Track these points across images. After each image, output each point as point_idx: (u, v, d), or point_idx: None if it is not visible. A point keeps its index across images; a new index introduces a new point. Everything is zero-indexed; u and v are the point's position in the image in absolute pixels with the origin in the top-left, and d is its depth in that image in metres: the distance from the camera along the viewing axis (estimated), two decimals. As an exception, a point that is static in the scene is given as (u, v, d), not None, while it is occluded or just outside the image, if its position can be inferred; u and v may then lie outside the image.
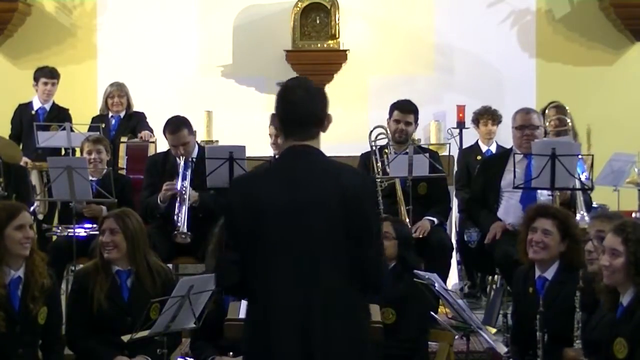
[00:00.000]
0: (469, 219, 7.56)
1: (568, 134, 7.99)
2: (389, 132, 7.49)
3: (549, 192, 6.82)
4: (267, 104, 9.93)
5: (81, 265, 6.17)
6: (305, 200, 3.55)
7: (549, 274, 5.28)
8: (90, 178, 7.15)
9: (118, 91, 9.32)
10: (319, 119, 3.68)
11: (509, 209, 7.03)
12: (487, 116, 8.77)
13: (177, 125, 7.43)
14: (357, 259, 3.58)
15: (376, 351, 3.97)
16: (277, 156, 7.49)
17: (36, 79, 9.33)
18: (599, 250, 4.78)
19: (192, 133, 7.62)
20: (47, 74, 9.32)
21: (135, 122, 9.31)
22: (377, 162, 7.35)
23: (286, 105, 3.68)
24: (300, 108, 3.65)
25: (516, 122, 7.28)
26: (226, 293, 4.95)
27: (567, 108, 8.16)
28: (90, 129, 8.73)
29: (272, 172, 3.75)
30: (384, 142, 7.52)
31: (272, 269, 3.56)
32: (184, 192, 7.20)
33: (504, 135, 8.54)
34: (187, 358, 5.52)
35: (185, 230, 6.84)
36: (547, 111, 8.20)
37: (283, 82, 3.79)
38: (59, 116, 9.20)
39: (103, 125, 8.89)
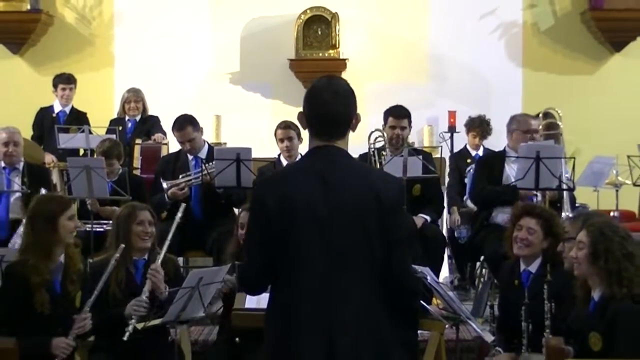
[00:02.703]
0: (488, 206, 7.36)
1: (559, 138, 8.01)
2: (385, 136, 7.49)
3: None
4: (272, 108, 9.97)
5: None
6: (339, 202, 3.38)
7: (533, 267, 5.28)
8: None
9: (134, 96, 9.36)
10: (348, 119, 3.50)
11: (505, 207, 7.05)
12: (478, 130, 8.75)
13: (182, 124, 7.57)
14: (389, 262, 3.42)
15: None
16: (290, 157, 7.54)
17: (55, 85, 9.40)
18: (567, 251, 4.81)
19: (198, 130, 7.68)
20: (65, 80, 9.40)
21: (149, 125, 9.33)
22: (375, 164, 7.35)
23: (315, 105, 3.49)
24: (329, 108, 3.45)
25: (524, 126, 7.21)
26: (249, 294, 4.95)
27: (559, 114, 8.15)
28: (108, 131, 8.77)
29: (303, 172, 3.50)
30: (380, 144, 7.53)
31: (303, 267, 3.38)
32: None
33: (494, 138, 8.56)
34: None
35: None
36: (538, 117, 8.20)
37: (313, 83, 3.59)
38: (78, 119, 9.25)
39: (120, 128, 8.92)
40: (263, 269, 3.45)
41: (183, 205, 5.61)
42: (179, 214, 5.54)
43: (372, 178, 3.50)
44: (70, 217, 5.10)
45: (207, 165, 7.37)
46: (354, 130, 3.54)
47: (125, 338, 5.06)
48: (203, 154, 7.62)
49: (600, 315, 4.38)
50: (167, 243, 5.43)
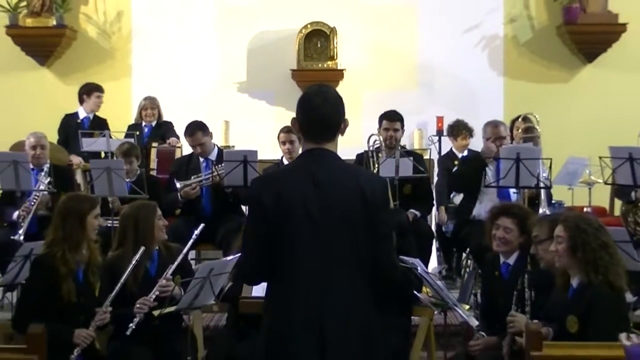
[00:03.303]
0: (460, 185, 7.58)
1: (537, 141, 8.00)
2: (381, 138, 7.50)
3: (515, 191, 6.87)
4: (276, 114, 9.96)
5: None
6: (329, 200, 3.36)
7: (512, 260, 5.26)
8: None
9: (150, 104, 9.36)
10: (337, 123, 3.45)
11: (489, 204, 7.04)
12: (465, 132, 8.76)
13: (192, 130, 7.61)
14: (375, 256, 3.42)
15: (386, 345, 3.71)
16: (292, 159, 7.53)
17: (88, 92, 9.33)
18: (541, 252, 4.81)
19: (207, 135, 7.69)
20: (101, 89, 9.40)
21: (164, 130, 9.34)
22: (372, 164, 7.35)
23: (307, 110, 3.45)
24: (319, 113, 3.42)
25: (487, 134, 7.32)
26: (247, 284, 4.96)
27: (537, 118, 8.15)
28: (126, 136, 8.80)
29: (296, 172, 3.47)
30: (377, 146, 7.53)
31: (297, 260, 3.36)
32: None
33: (477, 140, 8.55)
34: None
35: None
36: (517, 121, 8.20)
37: (304, 91, 3.59)
38: (100, 125, 9.25)
39: (137, 133, 8.93)
40: (260, 262, 3.43)
41: (202, 225, 5.55)
42: (197, 232, 5.48)
43: (360, 178, 3.48)
44: (96, 215, 5.12)
45: (217, 167, 7.38)
46: (342, 134, 3.51)
47: (127, 333, 5.05)
48: (213, 156, 7.64)
49: (578, 300, 4.40)
50: (184, 251, 5.41)
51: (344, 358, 3.36)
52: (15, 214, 7.28)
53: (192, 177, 7.51)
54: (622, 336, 3.40)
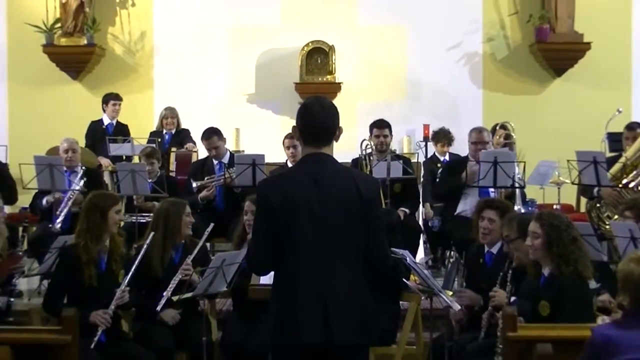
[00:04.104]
0: (442, 199, 7.61)
1: (513, 146, 8.02)
2: (372, 144, 7.49)
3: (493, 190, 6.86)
4: (281, 123, 9.94)
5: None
6: (329, 199, 3.38)
7: (494, 249, 5.27)
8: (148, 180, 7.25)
9: (170, 113, 9.38)
10: (333, 130, 3.47)
11: (472, 201, 7.05)
12: (445, 140, 8.77)
13: (209, 134, 7.70)
14: (369, 244, 3.44)
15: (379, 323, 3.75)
16: (295, 161, 7.53)
17: (106, 101, 9.38)
18: (513, 249, 4.82)
19: (222, 139, 7.76)
20: (115, 97, 9.42)
21: (183, 136, 9.34)
22: (365, 166, 7.34)
23: (306, 119, 3.46)
24: (317, 122, 3.44)
25: (472, 139, 7.32)
26: (256, 274, 4.95)
27: (512, 126, 8.15)
28: (149, 141, 8.81)
29: (299, 174, 3.48)
30: (369, 151, 7.52)
31: (302, 251, 3.37)
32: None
33: (459, 144, 8.55)
34: None
35: None
36: (497, 129, 8.22)
37: (303, 102, 3.62)
38: (122, 130, 9.29)
39: (159, 139, 8.95)
40: (268, 254, 3.43)
41: (212, 225, 5.58)
42: (207, 230, 5.51)
43: (355, 178, 3.50)
44: (117, 211, 5.11)
45: (229, 170, 7.38)
46: (337, 141, 3.52)
47: (158, 308, 5.14)
48: (225, 159, 7.67)
49: (549, 288, 4.41)
50: (201, 242, 5.44)
51: (345, 335, 3.37)
52: (45, 200, 7.28)
53: (206, 178, 7.52)
54: (599, 319, 3.41)
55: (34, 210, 7.60)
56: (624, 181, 7.02)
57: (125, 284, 4.97)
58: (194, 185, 7.48)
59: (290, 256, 3.38)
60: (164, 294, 5.16)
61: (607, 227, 6.75)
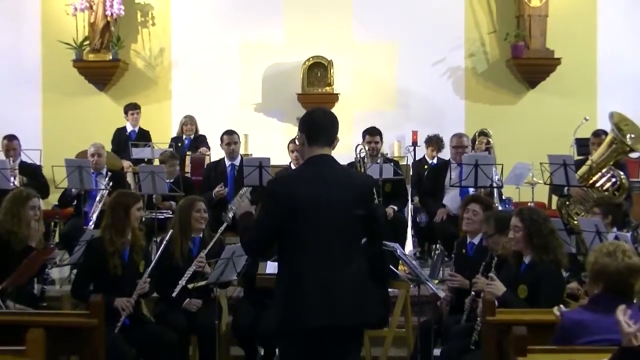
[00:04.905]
0: (423, 205, 7.62)
1: (491, 150, 8.05)
2: (365, 149, 7.48)
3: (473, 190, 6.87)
4: (285, 129, 9.94)
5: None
6: (332, 194, 3.40)
7: (476, 240, 5.28)
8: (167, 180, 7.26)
9: (189, 121, 9.42)
10: (334, 134, 3.53)
11: (454, 199, 7.07)
12: (435, 146, 8.78)
13: (231, 131, 7.85)
14: (367, 233, 3.50)
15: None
16: (298, 164, 7.52)
17: (126, 111, 9.44)
18: (491, 243, 4.83)
19: (239, 140, 7.89)
20: (132, 107, 9.45)
21: (199, 142, 9.36)
22: (360, 169, 7.34)
23: (311, 121, 3.52)
24: (321, 123, 3.50)
25: (453, 143, 7.38)
26: (251, 257, 4.95)
27: (490, 133, 8.17)
28: (170, 146, 8.88)
29: (306, 172, 3.50)
30: (362, 154, 7.51)
31: (309, 242, 3.38)
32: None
33: (446, 150, 8.54)
34: None
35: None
36: (478, 136, 8.24)
37: (307, 111, 3.68)
38: (144, 136, 9.29)
39: (179, 144, 9.03)
40: (267, 243, 3.49)
41: (225, 224, 5.58)
42: (221, 229, 5.52)
43: (354, 177, 3.63)
44: (138, 208, 5.11)
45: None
46: (333, 149, 3.55)
47: (173, 295, 5.13)
48: (237, 161, 7.65)
49: (529, 274, 4.43)
50: (216, 236, 5.45)
51: (348, 314, 3.38)
52: (73, 190, 7.29)
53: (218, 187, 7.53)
54: (555, 309, 3.42)
55: (63, 203, 7.60)
56: (591, 181, 7.05)
57: (146, 275, 4.96)
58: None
59: (299, 250, 3.38)
60: (180, 282, 5.16)
61: (575, 222, 6.78)
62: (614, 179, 6.99)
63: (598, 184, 7.02)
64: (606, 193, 6.90)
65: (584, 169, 7.14)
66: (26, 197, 5.12)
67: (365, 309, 3.44)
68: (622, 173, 7.01)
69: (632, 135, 7.04)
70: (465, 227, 5.33)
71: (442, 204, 7.23)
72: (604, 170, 7.04)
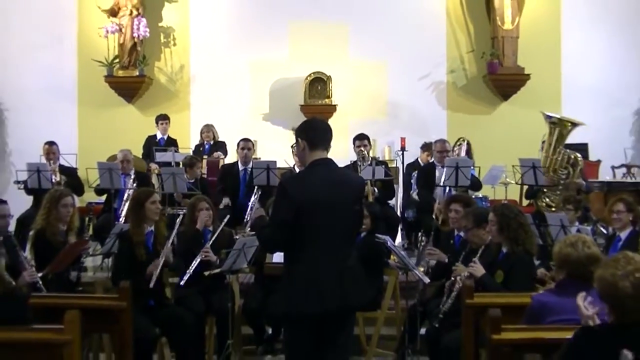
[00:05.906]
0: (419, 197, 7.62)
1: (470, 154, 8.08)
2: (355, 153, 7.50)
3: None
4: (289, 136, 9.85)
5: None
6: (334, 193, 3.41)
7: (462, 233, 5.27)
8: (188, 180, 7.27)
9: (207, 129, 9.51)
10: (330, 141, 3.54)
11: (439, 192, 7.11)
12: (429, 151, 8.77)
13: (247, 139, 7.81)
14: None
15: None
16: (301, 166, 7.51)
17: (157, 121, 9.46)
18: (469, 236, 4.85)
19: (253, 146, 7.93)
20: (163, 118, 9.47)
21: (218, 147, 9.39)
22: (357, 171, 7.33)
23: (313, 130, 3.52)
24: (322, 129, 3.53)
25: (437, 148, 7.40)
26: (269, 252, 4.93)
27: (469, 140, 8.19)
28: (193, 152, 9.02)
29: (313, 174, 3.48)
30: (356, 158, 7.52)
31: (318, 235, 3.38)
32: None
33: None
34: None
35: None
36: (459, 142, 8.27)
37: (306, 120, 3.72)
38: (171, 143, 9.32)
39: (201, 149, 9.11)
40: (283, 236, 3.41)
41: (228, 216, 5.57)
42: (225, 220, 5.49)
43: (351, 178, 3.64)
44: (152, 202, 4.99)
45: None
46: (327, 153, 3.55)
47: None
48: (249, 166, 7.63)
49: (506, 261, 4.44)
50: (218, 230, 5.40)
51: (355, 295, 3.42)
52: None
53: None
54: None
55: (99, 193, 7.68)
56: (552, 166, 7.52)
57: (162, 257, 4.85)
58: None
59: (307, 236, 3.37)
60: (187, 271, 5.09)
61: (553, 210, 6.96)
62: (566, 157, 7.51)
63: (557, 164, 7.30)
64: (564, 169, 7.37)
65: (542, 159, 7.48)
66: (59, 196, 5.12)
67: (366, 293, 3.54)
68: (574, 151, 7.51)
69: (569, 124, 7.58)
70: (452, 224, 5.33)
71: (433, 198, 7.22)
72: (558, 151, 7.49)
